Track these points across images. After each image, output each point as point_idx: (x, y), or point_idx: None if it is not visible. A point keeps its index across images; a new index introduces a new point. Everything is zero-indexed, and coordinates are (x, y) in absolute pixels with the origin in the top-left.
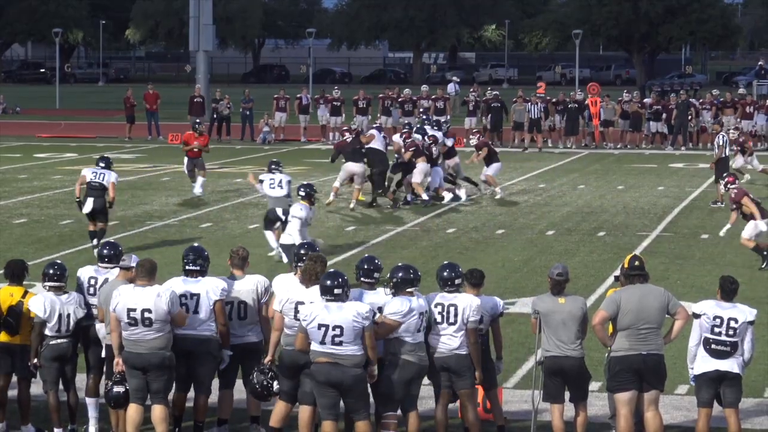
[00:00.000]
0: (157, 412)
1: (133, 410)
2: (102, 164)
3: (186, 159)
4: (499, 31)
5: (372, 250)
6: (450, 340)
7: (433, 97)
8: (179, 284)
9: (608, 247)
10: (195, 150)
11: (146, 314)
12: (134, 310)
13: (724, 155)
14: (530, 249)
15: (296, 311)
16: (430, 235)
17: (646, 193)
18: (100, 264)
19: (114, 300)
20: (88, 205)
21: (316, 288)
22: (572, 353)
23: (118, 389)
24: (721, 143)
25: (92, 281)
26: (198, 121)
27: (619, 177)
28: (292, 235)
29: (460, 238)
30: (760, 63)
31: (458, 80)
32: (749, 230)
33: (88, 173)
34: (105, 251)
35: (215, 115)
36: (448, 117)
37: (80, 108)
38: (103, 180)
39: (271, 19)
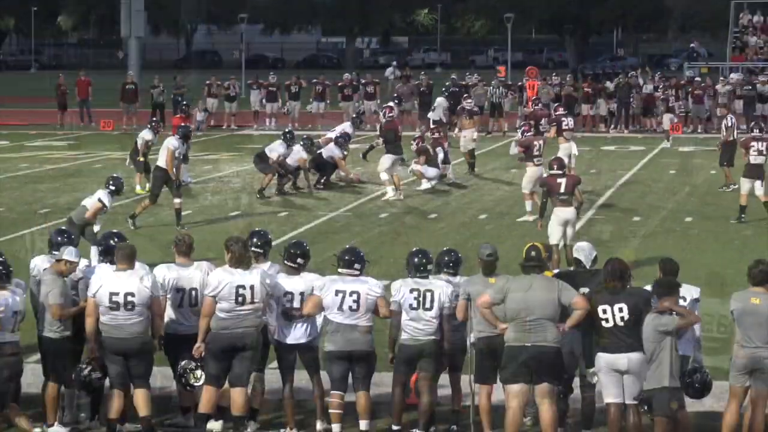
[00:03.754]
0: (140, 395)
1: (115, 396)
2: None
3: None
4: (431, 15)
5: (303, 235)
6: (427, 326)
7: (363, 81)
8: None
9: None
10: None
11: (129, 298)
12: (117, 294)
13: (732, 138)
14: (463, 233)
15: (237, 295)
16: (362, 220)
17: (578, 175)
18: (53, 252)
19: (95, 284)
20: None
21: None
22: None
23: (92, 374)
24: (729, 125)
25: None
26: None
27: None
28: None
29: (393, 222)
30: (692, 45)
31: (396, 65)
32: None
33: None
34: (58, 239)
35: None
36: (378, 101)
37: (12, 95)
38: None
39: (203, 4)
